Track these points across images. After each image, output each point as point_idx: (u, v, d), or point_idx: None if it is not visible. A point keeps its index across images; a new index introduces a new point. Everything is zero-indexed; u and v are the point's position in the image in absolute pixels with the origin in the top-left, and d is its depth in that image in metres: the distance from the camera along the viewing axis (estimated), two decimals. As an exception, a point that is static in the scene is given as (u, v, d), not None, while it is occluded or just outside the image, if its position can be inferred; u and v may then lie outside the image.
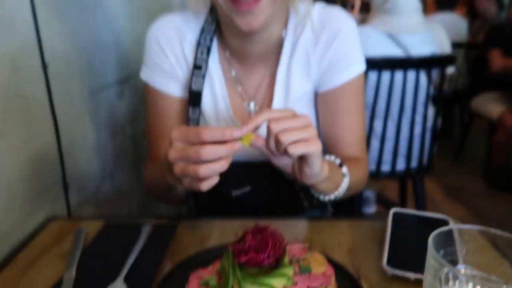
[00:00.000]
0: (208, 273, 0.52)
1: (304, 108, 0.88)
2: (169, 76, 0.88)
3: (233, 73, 0.89)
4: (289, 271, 0.50)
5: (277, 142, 0.60)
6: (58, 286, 0.56)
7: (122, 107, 1.25)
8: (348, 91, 0.87)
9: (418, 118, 1.75)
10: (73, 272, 0.59)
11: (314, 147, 0.61)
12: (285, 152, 0.60)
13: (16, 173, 0.75)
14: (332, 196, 0.77)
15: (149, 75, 0.89)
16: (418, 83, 1.67)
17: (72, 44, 0.96)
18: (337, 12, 0.87)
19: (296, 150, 0.60)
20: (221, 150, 0.57)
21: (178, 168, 0.60)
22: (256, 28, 0.75)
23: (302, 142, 0.60)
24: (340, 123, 0.88)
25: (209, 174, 0.58)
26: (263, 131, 0.63)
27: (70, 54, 0.96)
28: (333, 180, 0.74)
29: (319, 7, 0.86)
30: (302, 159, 0.64)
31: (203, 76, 0.86)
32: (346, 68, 0.85)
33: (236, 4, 0.72)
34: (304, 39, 0.85)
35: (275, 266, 0.50)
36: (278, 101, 0.86)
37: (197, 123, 0.87)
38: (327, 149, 0.91)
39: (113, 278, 0.57)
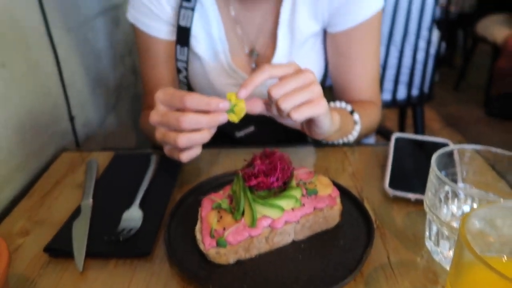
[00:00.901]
0: (220, 197, 0.55)
1: (311, 51, 0.81)
2: (158, 18, 0.79)
3: (232, 12, 0.79)
4: (297, 193, 0.53)
5: (279, 108, 0.55)
6: (78, 213, 0.59)
7: (119, 36, 1.22)
8: (364, 32, 0.77)
9: (422, 44, 1.70)
10: (90, 200, 0.62)
11: (319, 109, 0.56)
12: (290, 116, 0.55)
13: (22, 104, 0.75)
14: (341, 142, 0.76)
15: (136, 17, 0.80)
16: (425, 3, 1.61)
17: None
18: None
19: (300, 116, 0.55)
20: (202, 119, 0.53)
21: (159, 133, 0.56)
22: None
23: (306, 105, 0.55)
24: (353, 69, 0.80)
25: (188, 144, 0.54)
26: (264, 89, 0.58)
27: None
28: (344, 129, 0.71)
29: None
30: (310, 120, 0.60)
31: (193, 9, 0.76)
32: (361, 6, 0.75)
33: None
34: None
35: (283, 189, 0.53)
36: (282, 45, 0.78)
37: (185, 64, 0.80)
38: (337, 93, 0.86)
39: (128, 205, 0.60)
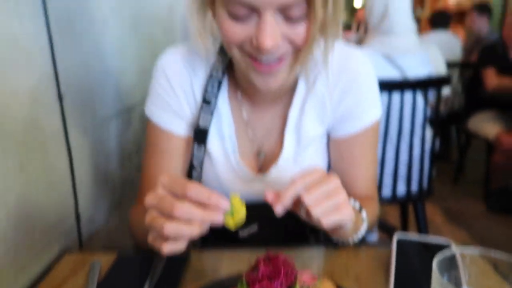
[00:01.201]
0: (223, 303, 0.54)
1: (316, 152, 0.86)
2: (176, 114, 0.84)
3: (244, 115, 0.86)
4: (301, 299, 0.53)
5: (309, 214, 0.59)
6: (78, 319, 0.58)
7: (129, 136, 1.29)
8: (364, 138, 0.85)
9: (416, 141, 1.78)
10: (91, 305, 0.61)
11: (346, 215, 0.61)
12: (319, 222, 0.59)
13: (35, 206, 0.78)
14: (350, 241, 0.76)
15: (155, 112, 0.85)
16: (415, 104, 1.71)
17: (84, 75, 1.00)
18: (356, 56, 0.84)
19: (329, 221, 0.59)
20: (197, 212, 0.53)
21: (149, 216, 0.55)
22: (274, 88, 0.72)
23: (334, 211, 0.60)
24: (354, 170, 0.87)
25: (174, 234, 0.53)
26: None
27: (83, 84, 1.00)
28: (355, 227, 0.73)
29: (339, 49, 0.81)
30: None
31: (212, 113, 0.83)
32: (362, 116, 0.83)
33: (257, 64, 0.68)
34: (320, 82, 0.82)
35: (287, 294, 0.53)
36: (288, 146, 0.84)
37: (201, 161, 0.85)
38: None
39: (130, 309, 0.59)
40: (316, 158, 0.87)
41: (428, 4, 6.82)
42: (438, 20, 3.64)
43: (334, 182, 0.61)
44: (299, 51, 0.69)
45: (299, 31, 0.66)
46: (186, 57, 0.84)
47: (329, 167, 0.91)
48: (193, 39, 0.78)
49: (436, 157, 1.88)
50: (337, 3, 0.67)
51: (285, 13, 0.64)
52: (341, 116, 0.84)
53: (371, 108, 0.84)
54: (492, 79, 2.71)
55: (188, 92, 0.84)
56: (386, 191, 1.80)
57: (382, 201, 1.83)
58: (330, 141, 0.87)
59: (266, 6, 0.62)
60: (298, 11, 0.64)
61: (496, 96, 2.67)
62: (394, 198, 1.81)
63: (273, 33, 0.63)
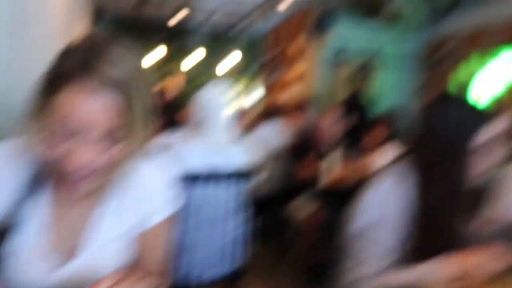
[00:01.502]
0: None
1: (116, 249, 0.96)
2: None
3: (53, 212, 0.91)
4: None
5: None
6: None
7: None
8: (159, 230, 1.01)
9: (234, 224, 1.95)
10: None
11: None
12: None
13: None
14: None
15: None
16: (229, 194, 1.92)
17: None
18: (156, 167, 1.01)
19: None
20: None
21: None
22: (84, 192, 0.83)
23: None
24: (150, 256, 1.01)
25: None
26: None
27: None
28: None
29: (143, 159, 0.94)
30: None
31: (23, 210, 0.86)
32: (158, 214, 1.00)
33: (69, 175, 0.78)
34: (123, 187, 0.94)
35: None
36: (90, 242, 0.92)
37: (4, 256, 0.85)
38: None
39: None
40: (116, 252, 0.97)
41: (263, 99, 7.67)
42: (268, 114, 4.16)
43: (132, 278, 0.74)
44: (110, 165, 0.81)
45: (113, 150, 0.79)
46: (11, 153, 0.88)
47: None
48: (23, 140, 0.84)
49: (259, 237, 2.06)
50: (147, 130, 0.83)
51: (101, 136, 0.76)
52: (140, 215, 0.98)
53: (165, 207, 1.01)
54: (305, 166, 3.18)
55: (4, 187, 0.86)
56: (201, 274, 1.89)
57: (200, 284, 1.90)
58: (129, 236, 0.99)
59: (84, 131, 0.74)
60: (114, 135, 0.77)
61: (308, 182, 3.13)
62: (208, 280, 1.91)
63: (87, 153, 0.76)
